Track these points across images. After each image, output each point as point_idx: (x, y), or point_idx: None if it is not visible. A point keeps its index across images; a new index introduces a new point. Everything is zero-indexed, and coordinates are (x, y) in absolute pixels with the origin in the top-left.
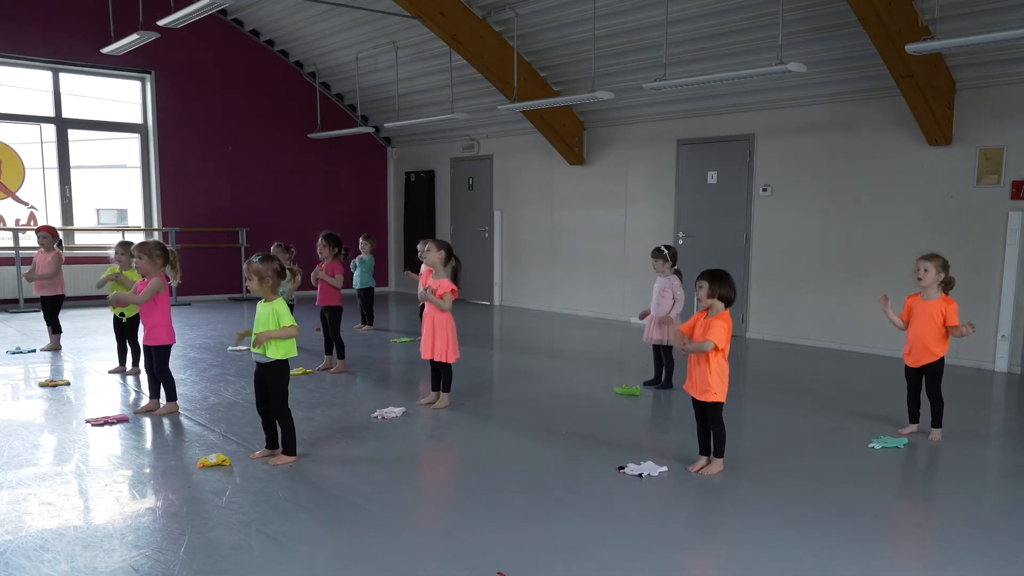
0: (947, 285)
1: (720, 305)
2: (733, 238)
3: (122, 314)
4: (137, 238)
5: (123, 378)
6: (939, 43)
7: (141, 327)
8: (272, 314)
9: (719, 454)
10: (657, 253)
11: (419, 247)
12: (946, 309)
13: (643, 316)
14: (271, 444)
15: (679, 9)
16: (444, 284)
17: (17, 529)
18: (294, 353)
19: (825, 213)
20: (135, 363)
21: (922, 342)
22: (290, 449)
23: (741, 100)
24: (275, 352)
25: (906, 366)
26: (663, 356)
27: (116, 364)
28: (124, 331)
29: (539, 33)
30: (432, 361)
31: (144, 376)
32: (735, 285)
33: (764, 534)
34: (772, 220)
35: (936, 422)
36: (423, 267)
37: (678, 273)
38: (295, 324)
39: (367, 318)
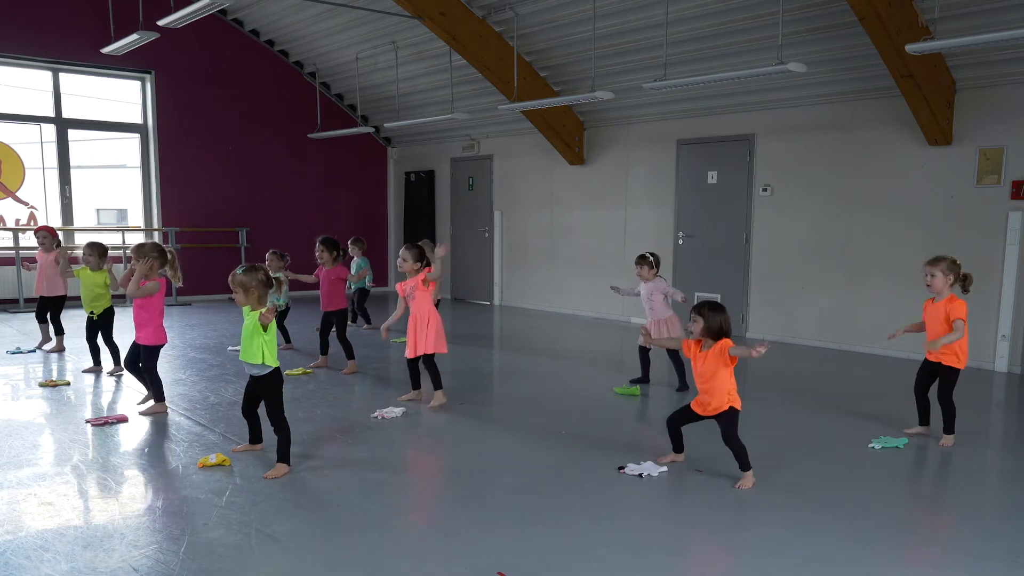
0: (964, 283)
1: (711, 342)
2: (733, 238)
3: (92, 312)
4: (137, 238)
5: (98, 378)
6: (939, 43)
7: (120, 327)
8: (256, 325)
9: (745, 467)
10: (642, 260)
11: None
12: (949, 307)
13: (646, 330)
14: (255, 439)
15: (679, 9)
16: (419, 275)
17: (17, 529)
18: (277, 362)
19: (825, 213)
20: (116, 363)
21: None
22: (285, 457)
23: (741, 100)
24: (255, 356)
25: (924, 360)
26: (670, 358)
27: (112, 365)
28: (96, 329)
29: (539, 33)
30: (411, 361)
31: (130, 375)
32: (729, 319)
33: (764, 534)
34: (772, 220)
35: (948, 428)
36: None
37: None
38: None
39: (364, 317)
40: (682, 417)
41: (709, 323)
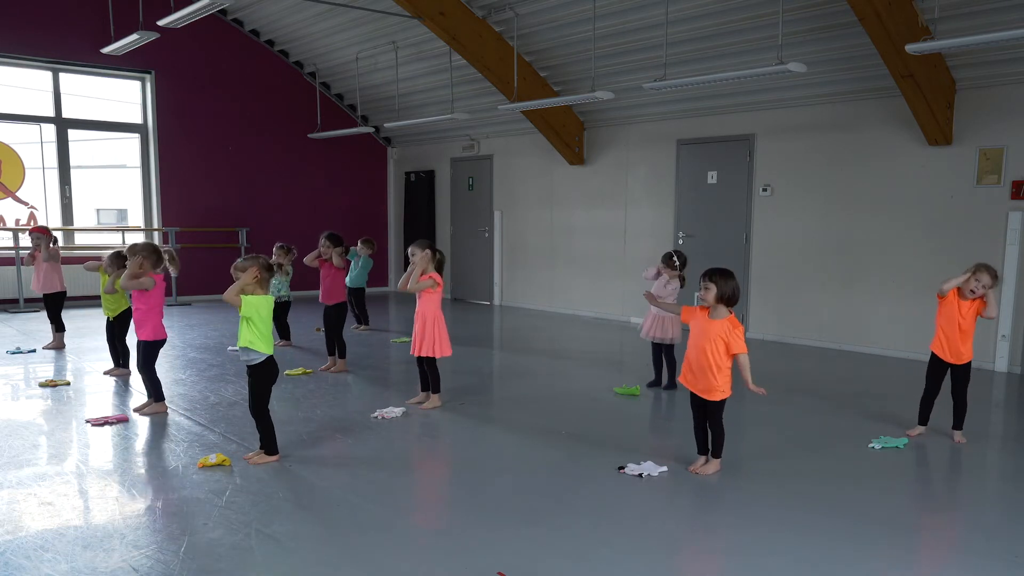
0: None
1: (724, 310)
2: (733, 238)
3: (109, 315)
4: (137, 238)
5: (123, 380)
6: (939, 43)
7: (132, 326)
8: (247, 310)
9: (716, 454)
10: (668, 259)
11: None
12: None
13: (649, 277)
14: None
15: (679, 9)
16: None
17: (17, 529)
18: (270, 350)
19: (825, 213)
20: (124, 364)
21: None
22: (270, 448)
23: (741, 100)
24: (242, 340)
25: (934, 364)
26: (664, 356)
27: (111, 365)
28: (113, 331)
29: (539, 33)
30: (419, 360)
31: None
32: (739, 286)
33: (764, 534)
34: (772, 220)
35: (958, 424)
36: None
37: (682, 279)
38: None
39: (362, 318)
40: (696, 417)
41: (722, 289)
